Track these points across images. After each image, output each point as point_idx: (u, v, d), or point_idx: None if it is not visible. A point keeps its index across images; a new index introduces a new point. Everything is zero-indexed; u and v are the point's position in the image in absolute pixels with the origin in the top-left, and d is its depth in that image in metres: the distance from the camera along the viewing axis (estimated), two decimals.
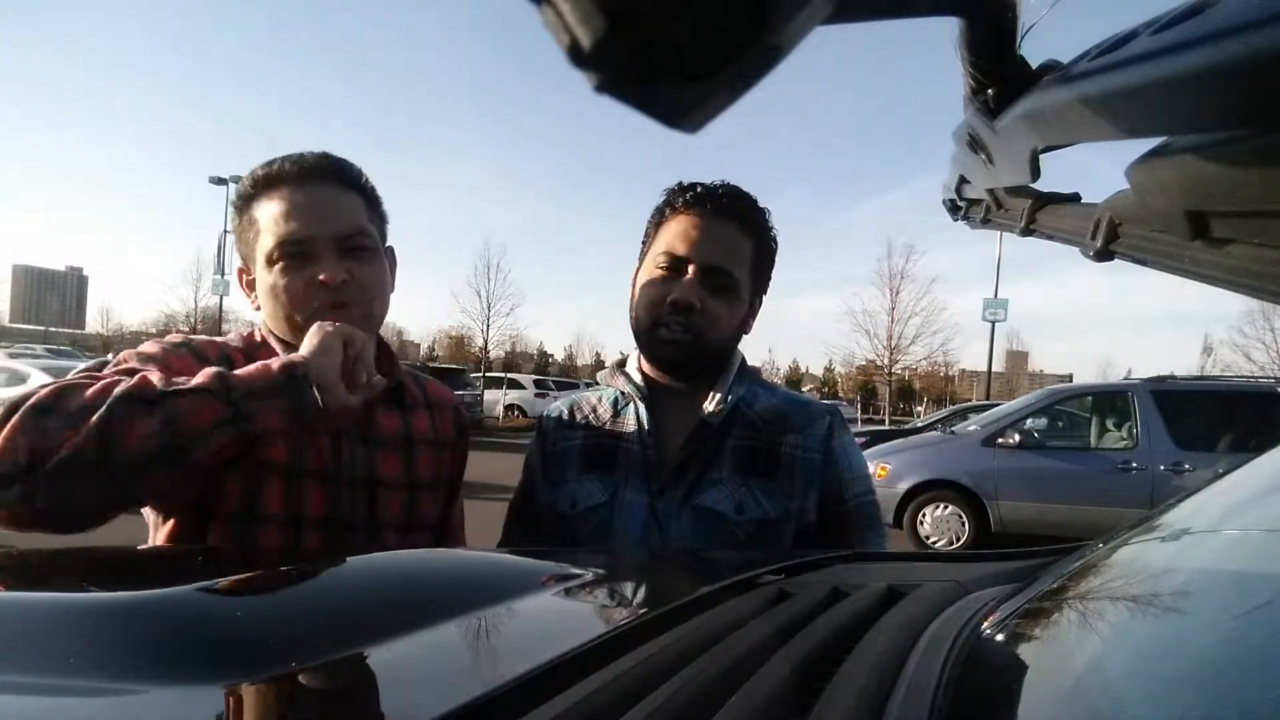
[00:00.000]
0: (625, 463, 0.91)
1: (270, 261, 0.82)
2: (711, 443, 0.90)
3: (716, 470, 0.88)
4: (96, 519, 0.64)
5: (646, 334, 0.90)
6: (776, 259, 0.95)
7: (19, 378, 8.13)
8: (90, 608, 0.41)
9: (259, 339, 0.88)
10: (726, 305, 0.89)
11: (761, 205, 0.92)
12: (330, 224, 0.83)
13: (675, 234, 0.88)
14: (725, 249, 0.88)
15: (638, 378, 0.95)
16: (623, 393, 0.97)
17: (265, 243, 0.82)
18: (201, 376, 0.66)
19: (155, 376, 0.65)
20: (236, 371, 0.68)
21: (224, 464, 0.69)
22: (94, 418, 0.59)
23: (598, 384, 1.03)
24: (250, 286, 0.88)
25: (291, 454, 0.80)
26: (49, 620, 0.38)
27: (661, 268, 0.88)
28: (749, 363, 0.99)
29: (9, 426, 0.59)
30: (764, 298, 0.96)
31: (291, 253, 0.82)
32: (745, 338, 0.97)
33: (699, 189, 0.89)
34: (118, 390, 0.62)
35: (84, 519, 0.64)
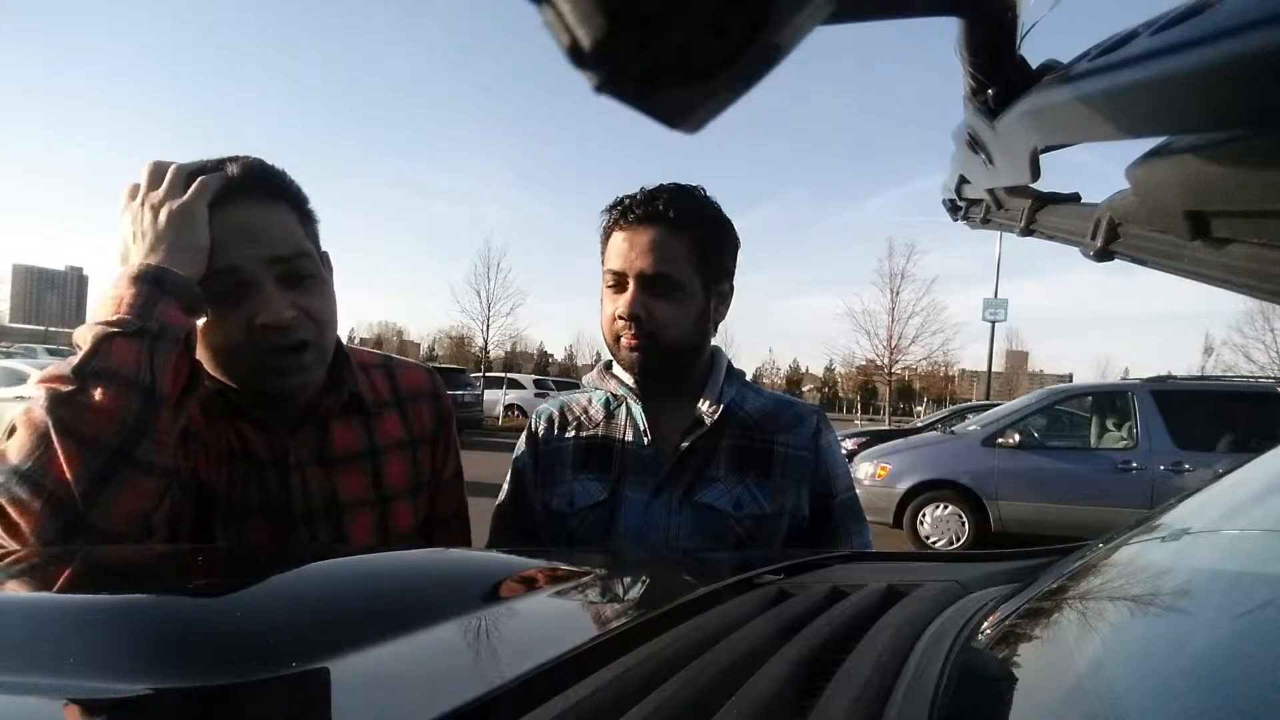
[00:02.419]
0: (622, 462, 0.93)
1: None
2: (707, 441, 0.92)
3: (714, 468, 0.91)
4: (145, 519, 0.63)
5: (612, 346, 0.94)
6: (735, 237, 0.96)
7: (19, 378, 8.15)
8: (91, 609, 0.41)
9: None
10: (673, 305, 0.90)
11: (696, 190, 0.93)
12: (264, 248, 0.71)
13: (612, 251, 0.92)
14: (655, 254, 0.89)
15: (629, 379, 0.97)
16: (614, 394, 0.99)
17: None
18: (79, 358, 0.62)
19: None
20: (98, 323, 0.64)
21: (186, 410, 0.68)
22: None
23: (584, 386, 1.05)
24: None
25: (234, 489, 0.75)
26: (50, 621, 0.38)
27: (610, 285, 0.92)
28: (739, 364, 1.03)
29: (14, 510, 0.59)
30: (730, 282, 0.96)
31: (221, 289, 0.69)
32: (732, 334, 0.99)
33: (624, 202, 0.92)
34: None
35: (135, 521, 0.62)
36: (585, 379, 1.05)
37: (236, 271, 0.70)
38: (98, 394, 0.60)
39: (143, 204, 0.70)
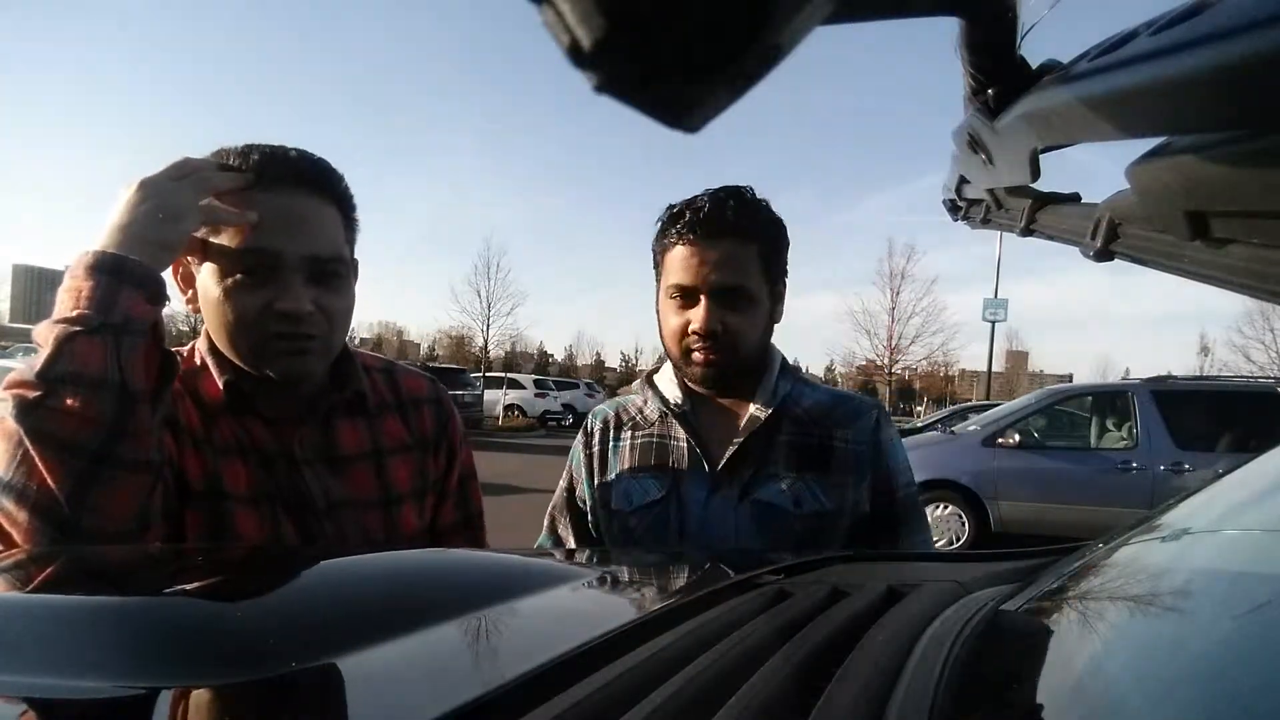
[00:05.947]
0: (678, 461, 0.94)
1: (224, 271, 0.70)
2: (762, 439, 0.92)
3: (772, 465, 0.91)
4: (138, 521, 0.63)
5: (681, 361, 0.93)
6: (789, 239, 0.94)
7: None
8: (91, 609, 0.41)
9: (198, 362, 0.77)
10: (747, 317, 0.89)
11: (754, 196, 0.91)
12: (304, 242, 0.72)
13: (679, 265, 0.89)
14: (728, 268, 0.87)
15: (676, 394, 0.97)
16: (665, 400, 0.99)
17: (222, 246, 0.70)
18: (42, 359, 0.59)
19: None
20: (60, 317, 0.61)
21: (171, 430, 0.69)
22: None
23: (634, 390, 1.05)
24: (187, 282, 0.75)
25: (252, 483, 0.75)
26: (50, 621, 0.38)
27: (675, 299, 0.91)
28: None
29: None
30: (786, 280, 0.96)
31: (252, 267, 0.70)
32: None
33: (687, 215, 0.89)
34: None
35: (126, 520, 0.62)
36: (634, 386, 1.07)
37: (274, 256, 0.70)
38: (68, 399, 0.58)
39: (140, 187, 0.67)
